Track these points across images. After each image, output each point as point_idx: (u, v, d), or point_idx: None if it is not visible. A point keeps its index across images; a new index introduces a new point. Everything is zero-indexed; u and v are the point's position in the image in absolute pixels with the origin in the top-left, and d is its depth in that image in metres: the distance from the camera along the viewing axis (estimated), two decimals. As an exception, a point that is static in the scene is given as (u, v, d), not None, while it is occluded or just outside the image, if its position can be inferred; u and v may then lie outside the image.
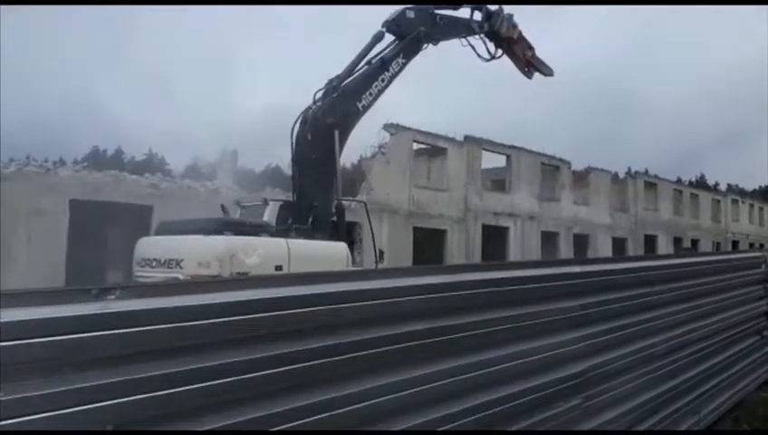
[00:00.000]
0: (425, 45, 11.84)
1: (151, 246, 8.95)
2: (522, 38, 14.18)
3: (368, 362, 2.77)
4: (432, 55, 12.23)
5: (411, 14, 11.38)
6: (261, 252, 8.28)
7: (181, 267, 7.99)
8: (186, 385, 2.11)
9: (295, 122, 10.46)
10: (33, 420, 1.81)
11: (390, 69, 11.16)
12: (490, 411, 3.31)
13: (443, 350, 3.13)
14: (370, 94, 10.88)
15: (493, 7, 13.33)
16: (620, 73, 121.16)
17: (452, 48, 12.82)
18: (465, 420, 3.15)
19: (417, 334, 2.99)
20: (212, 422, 2.19)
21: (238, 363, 2.27)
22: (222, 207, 10.59)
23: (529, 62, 14.75)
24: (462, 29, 12.75)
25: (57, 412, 1.85)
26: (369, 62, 11.09)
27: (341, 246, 9.82)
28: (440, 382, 3.06)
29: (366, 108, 10.92)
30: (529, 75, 14.99)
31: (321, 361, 2.56)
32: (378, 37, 11.17)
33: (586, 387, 4.06)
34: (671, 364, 5.11)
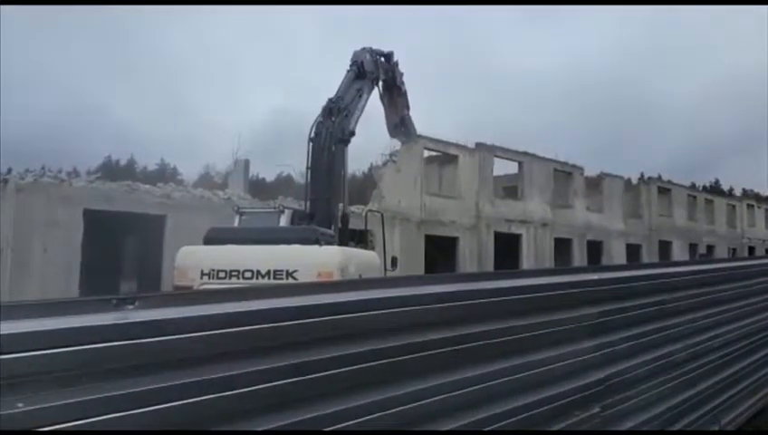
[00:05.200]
0: (376, 84, 13.75)
1: (228, 255, 8.56)
2: (405, 95, 15.14)
3: (382, 371, 2.75)
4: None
5: (368, 57, 13.00)
6: (356, 262, 8.75)
7: (295, 278, 7.94)
8: (205, 395, 2.10)
9: (310, 132, 11.16)
10: (50, 431, 1.80)
11: (362, 100, 12.58)
12: (508, 421, 3.28)
13: (458, 360, 3.10)
14: (356, 119, 12.08)
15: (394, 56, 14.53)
16: (633, 78, 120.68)
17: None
18: (483, 430, 3.11)
19: (432, 344, 2.96)
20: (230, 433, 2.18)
21: (256, 373, 2.26)
22: (237, 210, 11.24)
23: (402, 121, 15.51)
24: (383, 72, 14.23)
25: (74, 423, 1.84)
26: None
27: (375, 254, 10.72)
28: (456, 392, 3.03)
29: (355, 130, 12.06)
30: (394, 134, 15.93)
31: (339, 370, 2.55)
32: (353, 72, 12.73)
33: (605, 396, 4.00)
34: (691, 372, 5.03)
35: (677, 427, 4.77)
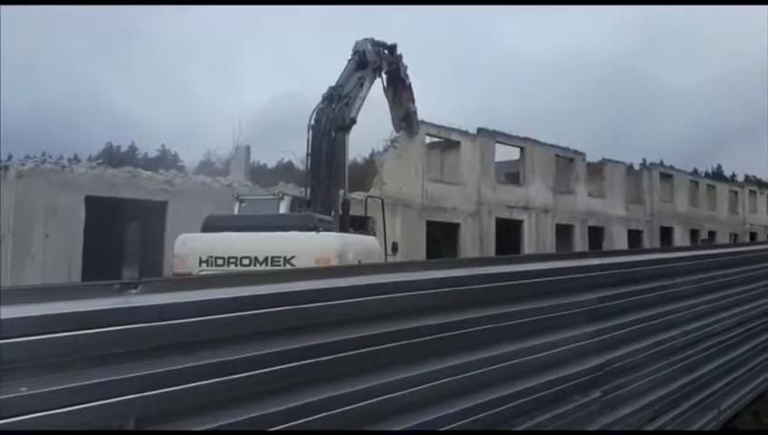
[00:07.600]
0: (379, 75, 14.06)
1: (226, 242, 8.56)
2: (410, 88, 15.12)
3: (380, 357, 2.75)
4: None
5: (369, 47, 13.26)
6: (355, 248, 8.80)
7: (292, 265, 7.98)
8: (205, 379, 2.11)
9: (310, 119, 11.04)
10: (55, 414, 1.82)
11: (363, 89, 12.86)
12: (508, 405, 3.29)
13: (458, 344, 3.11)
14: (357, 108, 12.32)
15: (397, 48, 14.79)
16: (635, 64, 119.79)
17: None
18: (483, 415, 3.13)
19: (431, 329, 2.96)
20: (231, 417, 2.20)
21: (255, 358, 2.27)
22: (237, 197, 11.39)
23: (407, 114, 15.53)
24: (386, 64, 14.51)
25: (79, 407, 1.86)
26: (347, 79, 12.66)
27: (375, 240, 10.64)
28: (456, 377, 3.04)
29: (356, 117, 12.23)
30: (398, 127, 16.03)
31: (335, 356, 2.55)
32: (355, 61, 13.01)
33: (604, 381, 4.02)
34: (690, 358, 5.05)
35: (677, 411, 4.79)
